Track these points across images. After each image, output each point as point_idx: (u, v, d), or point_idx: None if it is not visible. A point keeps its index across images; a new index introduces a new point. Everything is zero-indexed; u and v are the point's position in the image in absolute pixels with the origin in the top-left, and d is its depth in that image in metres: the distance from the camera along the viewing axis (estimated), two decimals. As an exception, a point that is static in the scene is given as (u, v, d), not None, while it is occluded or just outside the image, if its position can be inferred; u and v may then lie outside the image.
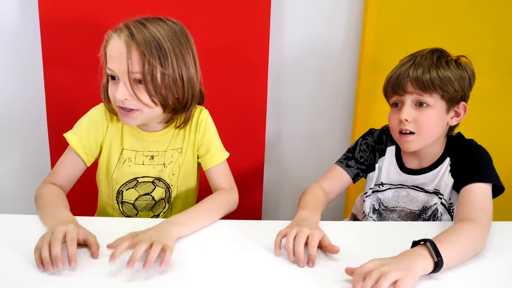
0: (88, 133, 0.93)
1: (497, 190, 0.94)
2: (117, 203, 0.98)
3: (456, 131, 1.03)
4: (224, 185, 0.98)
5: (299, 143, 1.51)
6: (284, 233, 0.78)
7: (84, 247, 0.74)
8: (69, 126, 0.97)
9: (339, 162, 1.08)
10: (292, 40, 1.42)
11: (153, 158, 0.97)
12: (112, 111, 0.94)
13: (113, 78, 0.87)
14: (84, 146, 0.93)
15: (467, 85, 0.98)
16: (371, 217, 1.05)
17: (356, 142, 1.10)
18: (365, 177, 1.10)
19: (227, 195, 0.95)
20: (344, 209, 1.51)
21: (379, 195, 1.05)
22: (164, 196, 1.00)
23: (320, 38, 1.42)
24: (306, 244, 0.76)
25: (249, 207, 1.45)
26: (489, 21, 1.36)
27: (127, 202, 0.98)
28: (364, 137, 1.11)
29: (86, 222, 0.79)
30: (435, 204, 1.00)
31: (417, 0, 1.34)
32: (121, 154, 0.96)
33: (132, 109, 0.86)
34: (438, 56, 0.98)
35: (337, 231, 0.84)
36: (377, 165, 1.08)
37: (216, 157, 0.99)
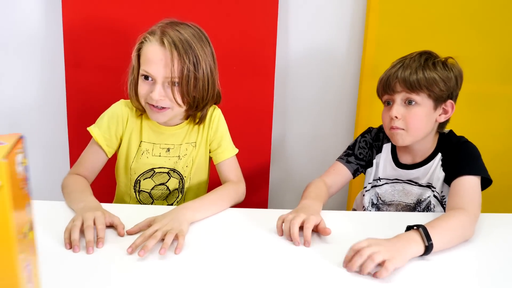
0: (109, 126, 0.99)
1: (486, 182, 0.98)
2: (135, 192, 1.04)
3: (457, 132, 1.07)
4: (233, 177, 1.04)
5: (303, 142, 1.54)
6: (284, 217, 0.84)
7: (108, 228, 0.80)
8: (87, 124, 1.02)
9: (340, 158, 1.12)
10: (297, 46, 1.46)
11: (169, 151, 1.03)
12: (138, 107, 0.99)
13: (146, 78, 0.93)
14: (105, 138, 0.99)
15: (454, 85, 1.01)
16: (370, 210, 1.09)
17: (356, 140, 1.14)
18: (364, 173, 1.14)
19: (235, 186, 1.01)
20: (346, 205, 1.55)
21: (377, 189, 1.09)
22: (178, 186, 1.06)
23: (324, 44, 1.46)
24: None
25: (255, 204, 1.48)
26: (487, 26, 1.40)
27: (144, 191, 1.04)
28: (363, 135, 1.15)
29: (106, 208, 0.84)
30: (428, 197, 1.04)
31: (416, 8, 1.38)
32: (139, 146, 1.02)
33: (163, 107, 0.93)
34: (426, 58, 1.02)
35: (339, 220, 0.90)
36: (374, 161, 1.12)
37: (227, 152, 1.05)
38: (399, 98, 1.00)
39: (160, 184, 1.04)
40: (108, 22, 1.38)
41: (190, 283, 0.67)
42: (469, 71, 1.41)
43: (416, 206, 1.06)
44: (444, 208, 1.03)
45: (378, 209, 1.10)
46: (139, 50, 0.94)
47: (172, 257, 0.73)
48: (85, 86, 1.40)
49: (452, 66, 1.02)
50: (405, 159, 1.09)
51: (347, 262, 0.72)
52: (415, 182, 1.06)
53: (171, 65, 0.90)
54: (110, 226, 0.81)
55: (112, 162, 1.06)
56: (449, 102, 1.02)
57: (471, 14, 1.39)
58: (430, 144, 1.06)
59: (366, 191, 1.12)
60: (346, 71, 1.48)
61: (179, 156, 1.04)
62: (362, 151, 1.12)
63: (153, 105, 0.93)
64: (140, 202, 1.05)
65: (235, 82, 1.38)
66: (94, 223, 0.76)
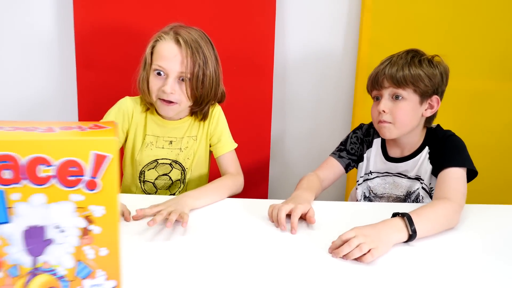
0: (116, 121, 1.05)
1: (471, 174, 1.01)
2: (140, 182, 1.11)
3: (448, 127, 1.09)
4: (232, 170, 1.10)
5: (302, 138, 1.58)
6: (274, 205, 0.89)
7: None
8: (97, 121, 1.09)
9: (333, 154, 1.15)
10: (295, 46, 1.51)
11: (171, 143, 1.10)
12: (147, 101, 1.06)
13: (159, 73, 1.00)
14: None
15: (439, 81, 1.05)
16: None
17: (348, 136, 1.18)
18: (357, 168, 1.18)
19: (234, 178, 1.07)
20: (344, 200, 1.58)
21: (369, 183, 1.13)
22: (180, 177, 1.12)
23: (321, 43, 1.50)
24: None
25: (256, 197, 1.50)
26: (479, 24, 1.43)
27: (148, 181, 1.11)
28: (354, 131, 1.18)
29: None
30: (417, 189, 1.08)
31: (409, 8, 1.42)
32: (144, 139, 1.08)
33: (172, 102, 1.00)
34: (412, 56, 1.05)
35: (333, 210, 0.95)
36: (365, 155, 1.15)
37: (226, 146, 1.11)
38: (386, 93, 1.04)
39: (163, 175, 1.10)
40: (117, 25, 1.45)
41: (191, 264, 0.72)
42: (462, 68, 1.47)
43: (406, 198, 1.10)
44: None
45: (370, 201, 1.14)
46: (152, 47, 1.02)
47: (175, 238, 0.79)
48: (95, 86, 1.47)
49: (438, 63, 1.06)
50: (394, 152, 1.12)
51: (333, 249, 0.76)
52: (404, 175, 1.09)
53: (185, 62, 0.98)
54: None
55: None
56: (435, 97, 1.05)
57: (463, 14, 1.43)
58: (418, 138, 1.09)
59: (358, 184, 1.16)
60: (342, 70, 1.52)
61: (180, 148, 1.10)
62: (353, 146, 1.16)
63: (163, 100, 1.00)
64: (145, 192, 1.12)
65: (235, 81, 1.42)
66: None
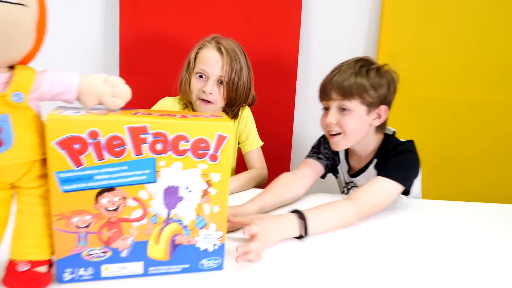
0: None
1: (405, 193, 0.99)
2: None
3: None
4: (257, 165, 1.25)
5: None
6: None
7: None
8: None
9: (309, 156, 1.14)
10: (317, 57, 1.67)
11: None
12: (187, 100, 1.21)
13: (201, 76, 1.16)
14: None
15: (386, 91, 1.01)
16: None
17: (319, 141, 1.17)
18: (333, 173, 1.20)
19: (259, 172, 1.22)
20: None
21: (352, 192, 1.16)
22: None
23: (342, 56, 1.64)
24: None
25: None
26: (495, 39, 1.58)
27: None
28: (324, 136, 1.15)
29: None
30: None
31: (424, 23, 1.57)
32: None
33: (210, 101, 1.17)
34: (361, 65, 1.01)
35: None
36: (339, 168, 1.19)
37: (253, 143, 1.27)
38: (334, 105, 1.02)
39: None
40: (157, 34, 1.61)
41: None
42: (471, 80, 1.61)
43: None
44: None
45: None
46: (196, 53, 1.18)
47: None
48: (136, 89, 1.60)
49: (386, 72, 1.02)
50: (355, 162, 1.14)
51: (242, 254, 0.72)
52: None
53: (224, 67, 1.14)
54: None
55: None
56: (383, 107, 1.03)
57: (478, 27, 1.57)
58: (373, 146, 1.08)
59: (346, 193, 1.21)
60: None
61: None
62: (327, 151, 1.14)
63: (202, 99, 1.16)
64: None
65: (262, 86, 1.51)
66: None
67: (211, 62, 1.15)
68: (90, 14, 1.66)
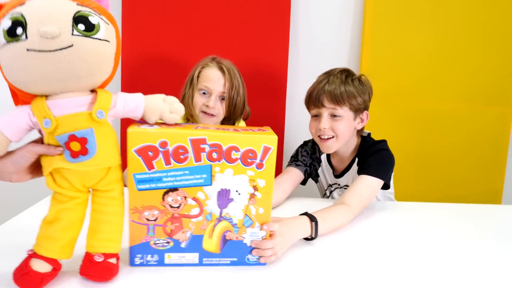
0: None
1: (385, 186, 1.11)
2: None
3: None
4: None
5: None
6: None
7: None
8: None
9: (288, 165, 1.23)
10: (306, 67, 1.79)
11: None
12: (188, 114, 1.29)
13: (204, 92, 1.29)
14: None
15: (368, 98, 1.16)
16: None
17: (297, 151, 1.27)
18: (312, 179, 1.27)
19: None
20: None
21: (334, 193, 1.29)
22: None
23: (328, 62, 1.68)
24: None
25: None
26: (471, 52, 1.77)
27: None
28: (302, 146, 1.28)
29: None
30: None
31: (403, 41, 1.75)
32: None
33: (213, 115, 1.29)
34: (346, 76, 1.14)
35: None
36: (319, 172, 1.27)
37: None
38: (326, 112, 1.13)
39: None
40: (157, 55, 1.71)
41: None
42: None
43: None
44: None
45: None
46: (199, 72, 1.30)
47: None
48: None
49: (366, 81, 1.17)
50: (337, 164, 1.25)
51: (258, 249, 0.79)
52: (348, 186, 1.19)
53: (226, 84, 1.27)
54: None
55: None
56: (365, 112, 1.17)
57: (453, 42, 1.77)
58: (353, 148, 1.22)
59: (328, 197, 1.31)
60: None
61: None
62: (305, 158, 1.24)
63: (206, 112, 1.29)
64: None
65: (254, 100, 1.55)
66: None
67: (214, 80, 1.28)
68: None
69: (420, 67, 1.79)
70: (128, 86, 1.73)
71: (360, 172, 1.12)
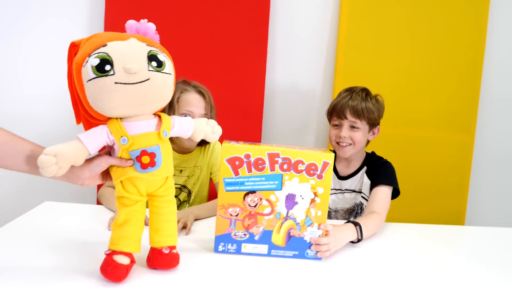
0: None
1: (395, 193, 1.28)
2: None
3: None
4: None
5: None
6: None
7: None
8: None
9: None
10: (282, 87, 1.92)
11: (181, 172, 1.39)
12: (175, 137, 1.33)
13: (185, 116, 1.26)
14: None
15: (381, 115, 1.35)
16: None
17: None
18: None
19: None
20: None
21: (334, 197, 1.41)
22: (186, 199, 1.41)
23: (303, 91, 1.94)
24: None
25: None
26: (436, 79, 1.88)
27: None
28: None
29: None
30: (359, 200, 1.37)
31: (374, 62, 1.86)
32: None
33: None
34: (366, 94, 1.33)
35: None
36: None
37: None
38: (346, 123, 1.32)
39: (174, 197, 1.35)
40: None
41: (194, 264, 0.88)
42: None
43: (355, 208, 1.39)
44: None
45: (329, 214, 1.40)
46: (178, 97, 1.30)
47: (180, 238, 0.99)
48: None
49: (381, 101, 1.36)
50: (341, 169, 1.40)
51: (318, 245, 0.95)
52: (350, 190, 1.39)
53: (205, 107, 1.32)
54: None
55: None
56: (377, 127, 1.37)
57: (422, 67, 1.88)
58: (360, 157, 1.39)
59: None
60: (321, 106, 1.95)
61: (188, 176, 1.40)
62: None
63: None
64: None
65: (230, 122, 1.55)
66: None
67: (195, 104, 1.32)
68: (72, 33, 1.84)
69: (389, 95, 1.69)
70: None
71: (375, 182, 1.28)
